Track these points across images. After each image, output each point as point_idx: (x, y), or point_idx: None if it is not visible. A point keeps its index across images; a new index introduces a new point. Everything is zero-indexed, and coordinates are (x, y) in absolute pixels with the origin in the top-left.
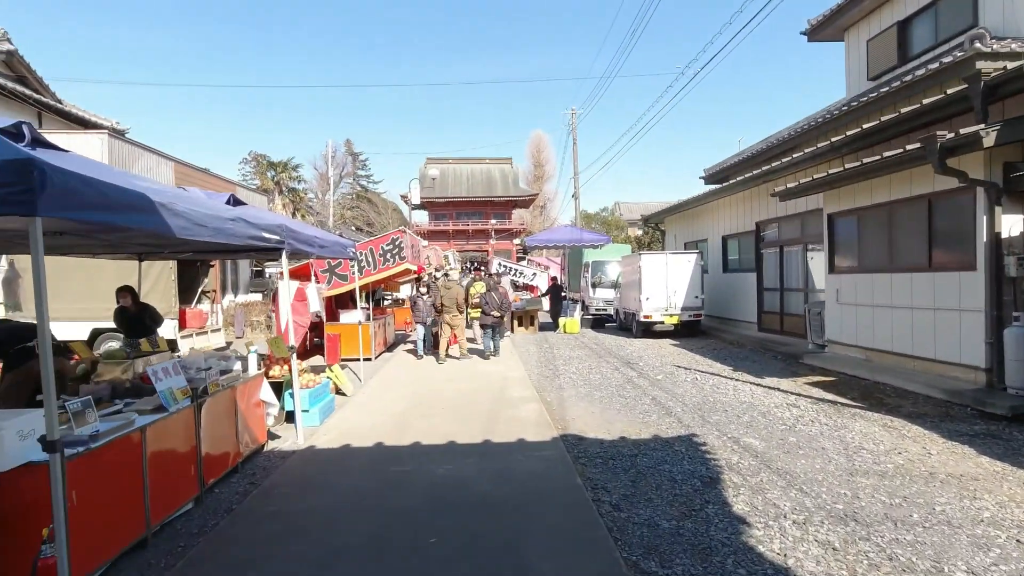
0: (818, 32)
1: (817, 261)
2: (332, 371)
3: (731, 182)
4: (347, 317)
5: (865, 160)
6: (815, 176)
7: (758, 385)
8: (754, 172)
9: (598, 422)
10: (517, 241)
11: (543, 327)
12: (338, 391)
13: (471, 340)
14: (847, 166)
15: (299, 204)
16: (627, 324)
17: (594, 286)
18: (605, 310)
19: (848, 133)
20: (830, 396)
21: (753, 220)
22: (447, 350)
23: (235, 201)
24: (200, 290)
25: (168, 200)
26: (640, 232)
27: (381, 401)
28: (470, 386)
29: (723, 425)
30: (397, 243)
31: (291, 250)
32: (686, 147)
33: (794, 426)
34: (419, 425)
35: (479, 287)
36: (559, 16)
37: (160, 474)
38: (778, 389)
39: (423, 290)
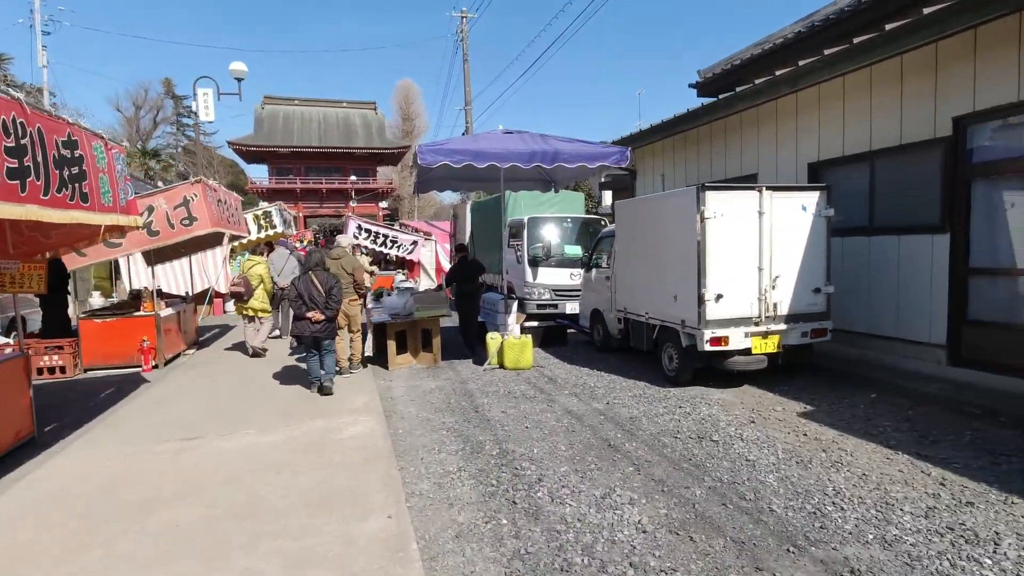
0: None
1: None
2: None
3: (871, 35)
4: None
5: None
6: None
7: None
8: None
9: None
10: (384, 204)
11: (449, 350)
12: None
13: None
14: None
15: None
16: (635, 342)
17: (534, 263)
18: (555, 306)
19: None
20: None
21: (947, 115)
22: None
23: None
24: None
25: None
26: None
27: None
28: None
29: None
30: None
31: None
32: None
33: None
34: None
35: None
36: None
37: None
38: None
39: None
